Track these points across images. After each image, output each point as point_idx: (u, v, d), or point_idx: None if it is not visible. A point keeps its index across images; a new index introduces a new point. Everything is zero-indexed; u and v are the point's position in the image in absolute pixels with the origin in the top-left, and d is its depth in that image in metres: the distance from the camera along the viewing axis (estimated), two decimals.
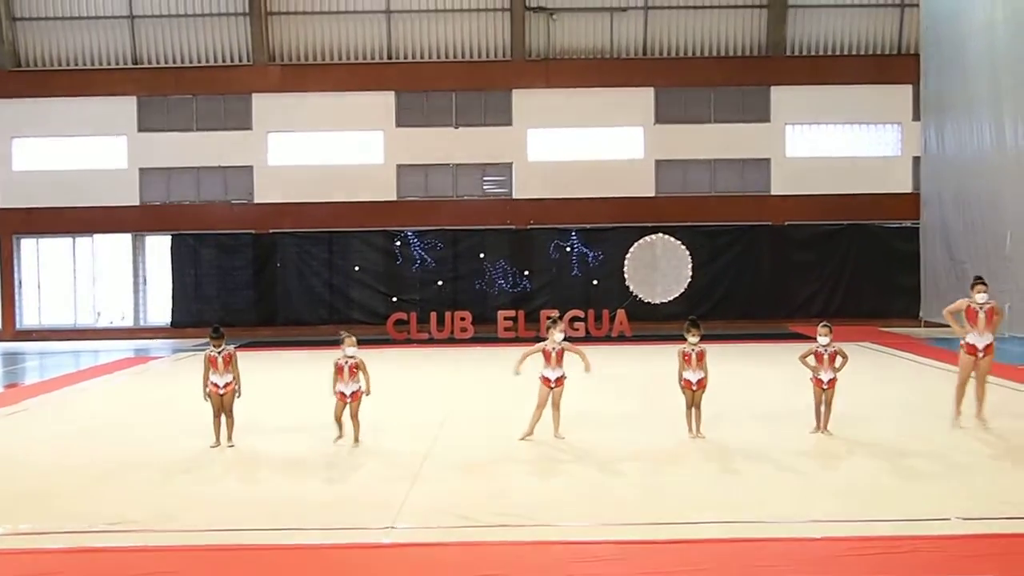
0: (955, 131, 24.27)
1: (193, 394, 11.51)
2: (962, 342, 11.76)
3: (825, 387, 11.36)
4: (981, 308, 11.57)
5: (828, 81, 28.08)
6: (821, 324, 11.55)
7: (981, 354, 11.56)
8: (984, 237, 22.25)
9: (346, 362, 11.10)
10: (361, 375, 11.17)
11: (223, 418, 11.25)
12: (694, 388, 11.21)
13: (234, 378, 11.25)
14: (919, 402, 12.02)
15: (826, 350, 11.35)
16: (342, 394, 11.11)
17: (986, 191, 22.22)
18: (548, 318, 12.40)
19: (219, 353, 11.15)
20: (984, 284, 11.74)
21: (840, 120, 28.49)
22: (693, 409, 11.32)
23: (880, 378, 16.53)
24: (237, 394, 11.33)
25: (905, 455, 10.24)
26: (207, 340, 11.36)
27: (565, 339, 11.48)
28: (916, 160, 27.42)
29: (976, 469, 9.63)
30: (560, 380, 11.31)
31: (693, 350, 11.18)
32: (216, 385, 11.14)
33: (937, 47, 24.95)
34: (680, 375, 11.25)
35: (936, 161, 25.46)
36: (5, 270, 28.46)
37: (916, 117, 27.26)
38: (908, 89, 27.62)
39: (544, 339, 11.48)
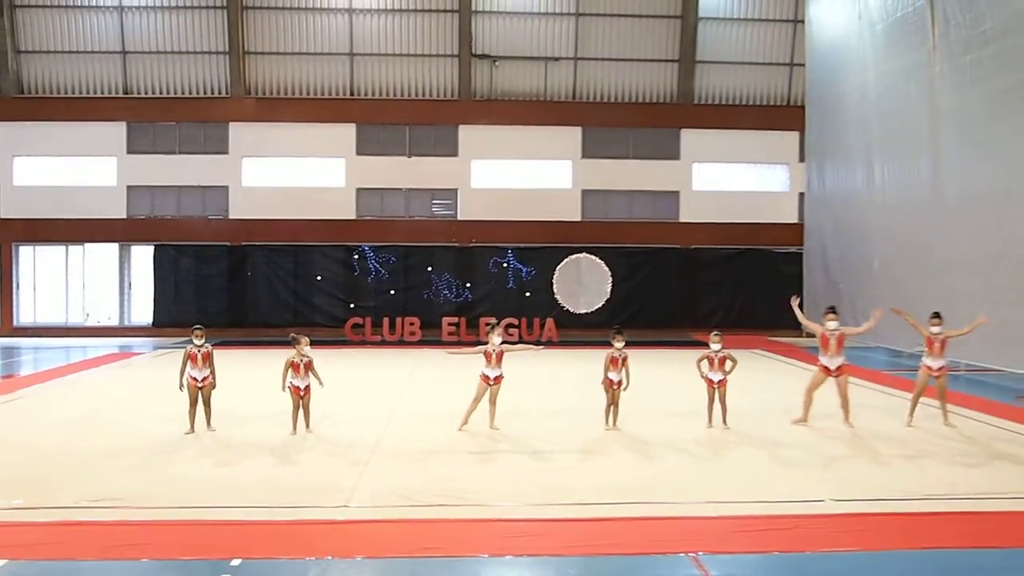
0: (834, 172, 24.80)
1: (171, 386, 11.27)
2: (818, 363, 11.77)
3: (716, 386, 11.48)
4: (832, 335, 11.58)
5: (729, 126, 28.50)
6: (713, 332, 11.61)
7: (835, 373, 11.57)
8: (856, 262, 22.73)
9: (301, 360, 11.00)
10: (311, 372, 11.10)
11: (201, 407, 11.09)
12: (615, 387, 11.25)
13: (211, 373, 11.12)
14: (800, 401, 12.18)
15: (717, 355, 11.47)
16: (297, 388, 11.01)
17: (858, 223, 22.71)
18: (487, 324, 12.31)
19: (199, 350, 10.98)
20: (835, 313, 11.79)
21: (738, 160, 28.91)
22: (612, 406, 11.37)
23: (768, 381, 16.78)
24: (213, 385, 11.18)
25: (787, 447, 10.40)
26: (189, 338, 11.17)
27: (503, 343, 11.48)
28: (801, 196, 27.94)
29: (846, 459, 9.83)
30: (498, 379, 11.28)
31: (620, 355, 11.22)
32: (195, 379, 11.00)
33: (819, 102, 25.49)
34: (605, 375, 11.25)
35: (818, 197, 25.94)
36: (4, 274, 27.66)
37: (802, 159, 27.81)
38: (795, 135, 28.18)
39: (484, 343, 11.47)
